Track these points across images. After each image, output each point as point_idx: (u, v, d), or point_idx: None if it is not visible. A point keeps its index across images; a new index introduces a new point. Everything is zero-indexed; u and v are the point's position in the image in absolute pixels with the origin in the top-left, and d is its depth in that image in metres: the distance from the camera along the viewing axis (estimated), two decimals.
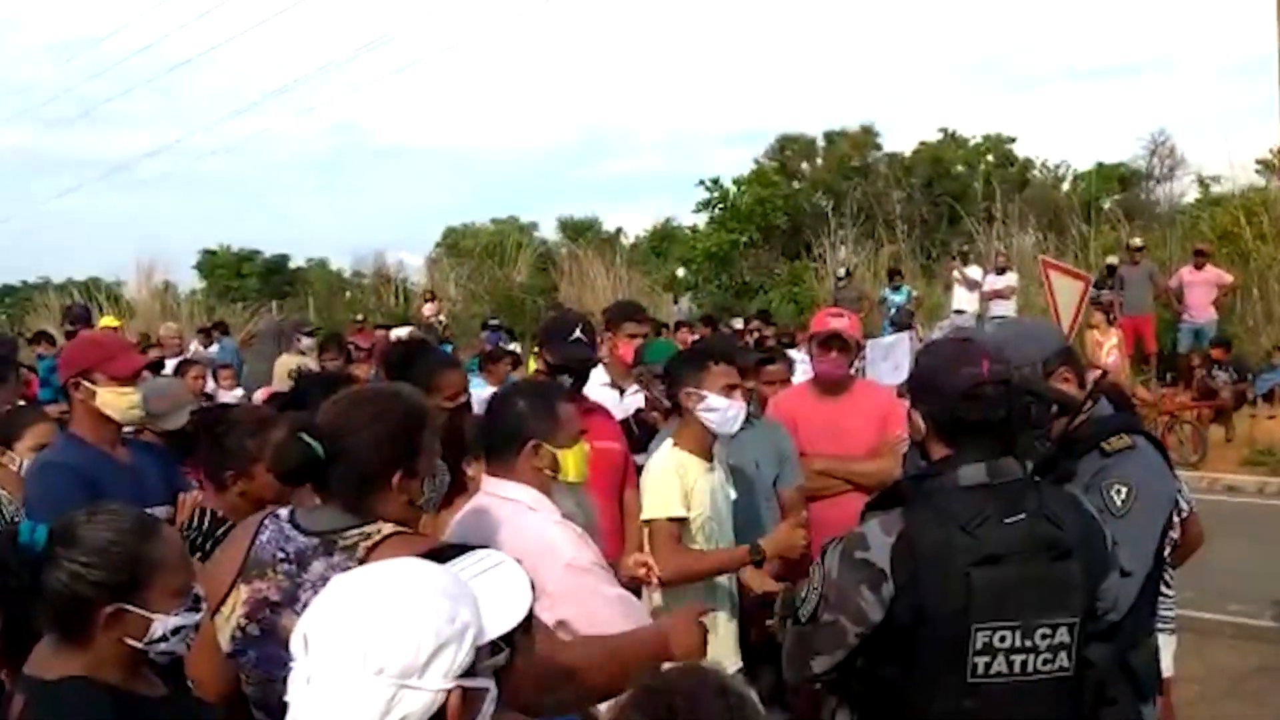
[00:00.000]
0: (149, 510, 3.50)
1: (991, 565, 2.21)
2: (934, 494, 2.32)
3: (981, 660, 2.22)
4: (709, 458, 3.62)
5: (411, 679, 1.34)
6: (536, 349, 4.17)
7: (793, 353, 10.55)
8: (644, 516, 3.47)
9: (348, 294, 27.56)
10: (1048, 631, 2.23)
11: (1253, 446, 12.68)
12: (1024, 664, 2.23)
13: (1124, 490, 2.73)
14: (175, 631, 2.03)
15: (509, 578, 1.57)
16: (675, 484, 3.46)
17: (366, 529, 2.24)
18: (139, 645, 2.00)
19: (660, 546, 3.40)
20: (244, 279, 31.56)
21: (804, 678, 2.48)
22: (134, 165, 64.11)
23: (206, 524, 3.08)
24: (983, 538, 2.22)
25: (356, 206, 63.24)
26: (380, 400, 2.34)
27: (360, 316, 19.23)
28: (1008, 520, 2.25)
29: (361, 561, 2.15)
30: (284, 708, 1.42)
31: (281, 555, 2.28)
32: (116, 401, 3.53)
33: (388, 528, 2.25)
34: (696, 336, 13.41)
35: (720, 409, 3.54)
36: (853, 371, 4.79)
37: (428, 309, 20.35)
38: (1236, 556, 7.29)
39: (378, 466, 2.25)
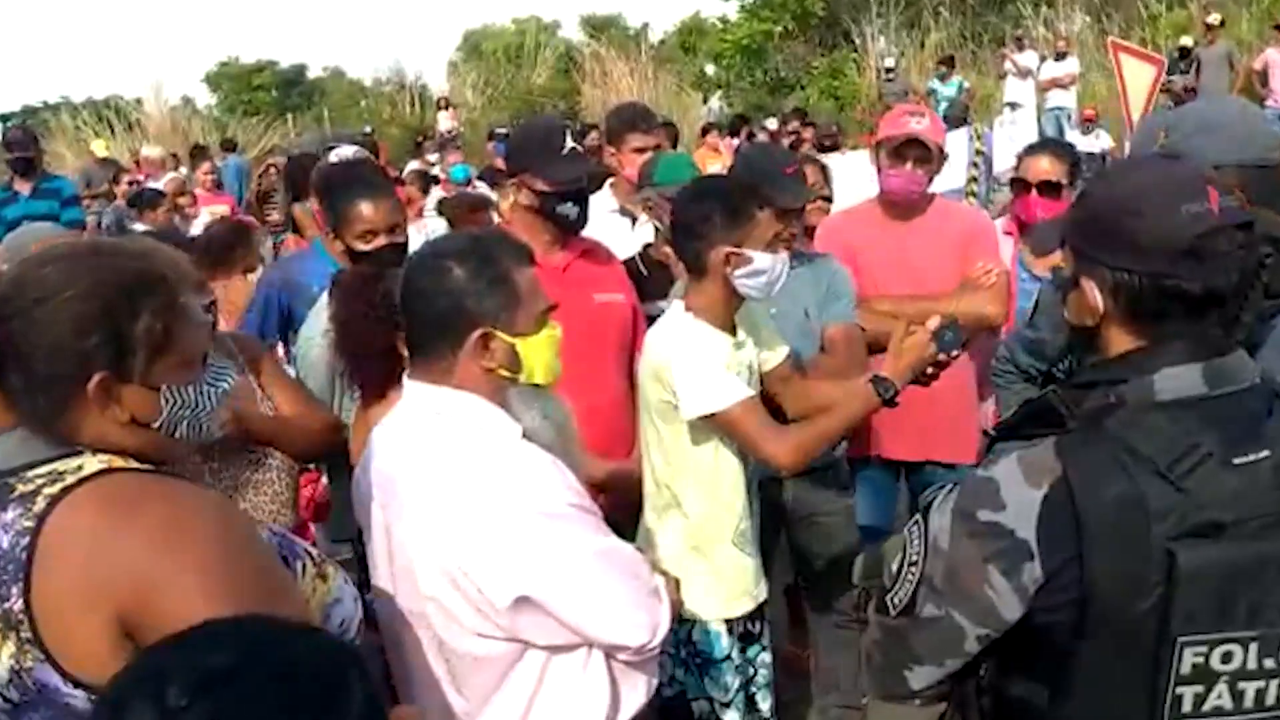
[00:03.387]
0: None
1: (1210, 540, 1.35)
2: (1113, 415, 1.43)
3: (1189, 692, 1.37)
4: (734, 329, 2.66)
5: None
6: (513, 178, 3.15)
7: (836, 157, 9.60)
8: (702, 411, 2.49)
9: (362, 104, 26.24)
10: None
11: None
12: (1259, 696, 1.38)
13: None
14: None
15: None
16: (718, 366, 2.52)
17: (60, 465, 1.44)
18: None
19: (755, 434, 2.50)
20: (256, 91, 30.25)
21: (896, 695, 1.62)
22: None
23: None
24: (1195, 492, 1.34)
25: (376, 11, 60.62)
26: (77, 261, 1.47)
27: (369, 130, 18.07)
28: (1238, 461, 1.36)
29: (40, 519, 1.37)
30: None
31: None
32: None
33: (95, 463, 1.45)
34: (729, 141, 12.36)
35: (768, 270, 2.55)
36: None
37: (443, 119, 19.13)
38: None
39: (55, 365, 1.43)
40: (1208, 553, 1.35)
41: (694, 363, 2.52)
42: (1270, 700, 1.38)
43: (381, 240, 2.94)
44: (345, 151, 4.61)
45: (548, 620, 1.77)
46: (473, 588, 1.75)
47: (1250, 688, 1.38)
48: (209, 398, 1.55)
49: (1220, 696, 1.38)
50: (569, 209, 3.03)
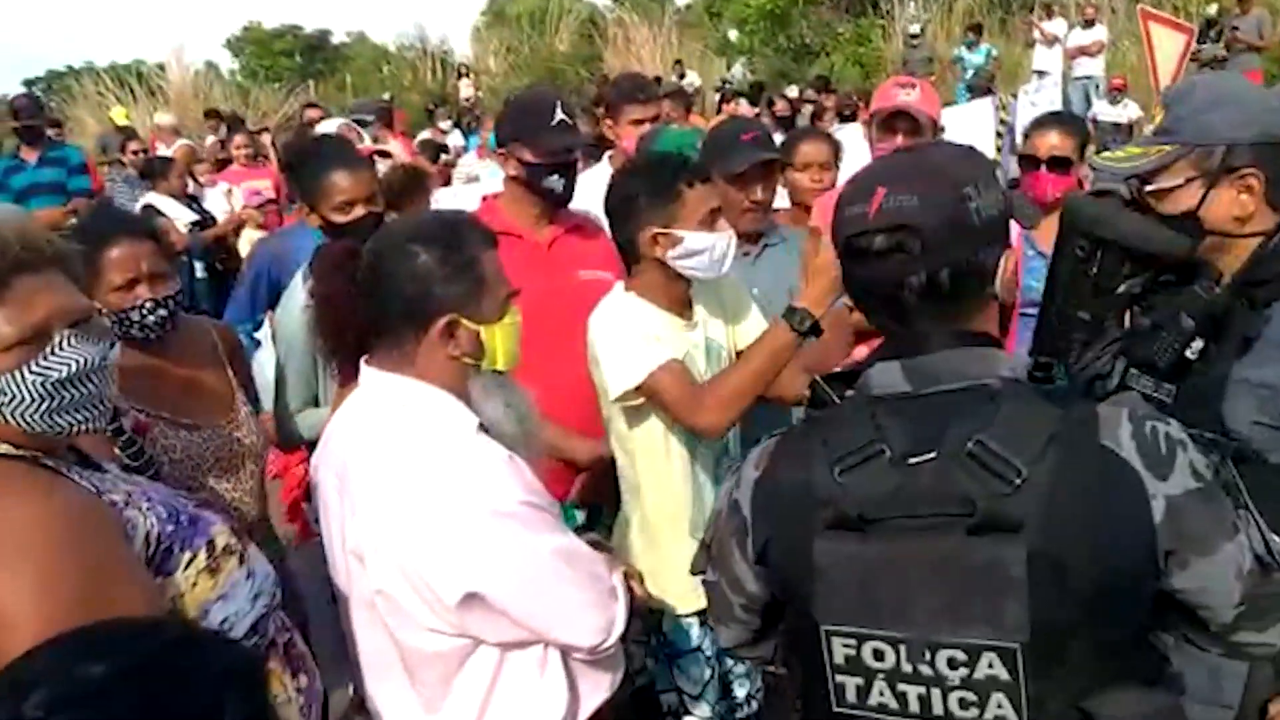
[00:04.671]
0: None
1: (852, 533, 1.33)
2: (844, 404, 1.46)
3: (850, 683, 1.35)
4: (687, 311, 2.54)
5: None
6: (500, 149, 3.08)
7: (854, 126, 9.41)
8: (624, 388, 2.38)
9: (383, 70, 26.09)
10: (959, 656, 1.28)
11: None
12: (923, 700, 1.31)
13: None
14: None
15: None
16: (638, 338, 2.40)
17: None
18: None
19: (678, 402, 2.34)
20: (278, 57, 30.12)
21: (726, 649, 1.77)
22: None
23: None
24: (852, 486, 1.33)
25: None
26: None
27: (388, 96, 17.95)
28: (912, 460, 1.32)
29: None
30: None
31: None
32: None
33: None
34: (748, 108, 12.23)
35: (704, 250, 2.41)
36: None
37: (464, 86, 19.00)
38: None
39: None
40: (843, 546, 1.34)
41: (615, 340, 2.43)
42: (938, 709, 1.30)
43: (360, 211, 2.88)
44: (330, 125, 4.55)
45: (498, 618, 1.73)
46: (422, 583, 1.71)
47: (912, 691, 1.32)
48: (31, 388, 1.48)
49: (883, 694, 1.34)
50: (555, 181, 2.96)
